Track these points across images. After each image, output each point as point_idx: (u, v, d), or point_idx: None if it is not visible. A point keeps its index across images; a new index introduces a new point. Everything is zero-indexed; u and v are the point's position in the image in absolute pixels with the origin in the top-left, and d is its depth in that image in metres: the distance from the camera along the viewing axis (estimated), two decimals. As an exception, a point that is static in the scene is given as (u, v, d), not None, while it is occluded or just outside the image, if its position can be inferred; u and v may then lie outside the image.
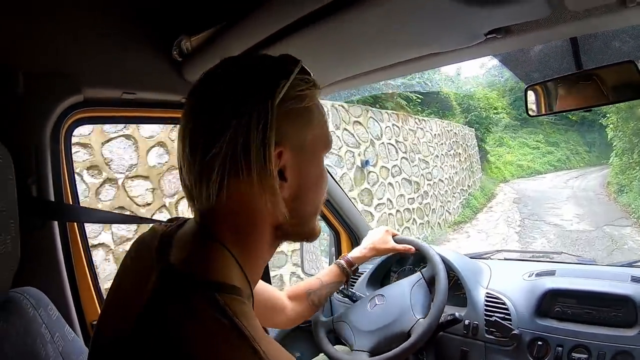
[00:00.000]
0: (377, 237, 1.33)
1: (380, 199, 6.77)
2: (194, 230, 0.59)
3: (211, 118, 0.54)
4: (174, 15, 0.92)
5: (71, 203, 1.11)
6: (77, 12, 0.86)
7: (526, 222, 9.21)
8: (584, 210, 9.67)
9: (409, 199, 7.67)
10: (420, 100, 10.37)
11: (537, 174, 16.08)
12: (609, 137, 11.83)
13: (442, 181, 9.48)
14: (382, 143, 7.13)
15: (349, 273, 1.23)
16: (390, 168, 7.23)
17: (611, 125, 11.34)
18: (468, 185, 11.52)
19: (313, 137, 0.59)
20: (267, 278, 1.54)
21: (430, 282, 1.25)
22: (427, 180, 8.64)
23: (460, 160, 11.13)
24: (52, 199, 1.01)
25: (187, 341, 0.44)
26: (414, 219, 7.68)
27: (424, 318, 1.17)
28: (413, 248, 1.32)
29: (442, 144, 9.94)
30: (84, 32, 0.91)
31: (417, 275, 1.28)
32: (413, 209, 7.74)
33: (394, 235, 1.36)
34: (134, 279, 0.56)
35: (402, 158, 7.74)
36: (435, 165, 9.25)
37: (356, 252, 1.27)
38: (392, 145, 7.48)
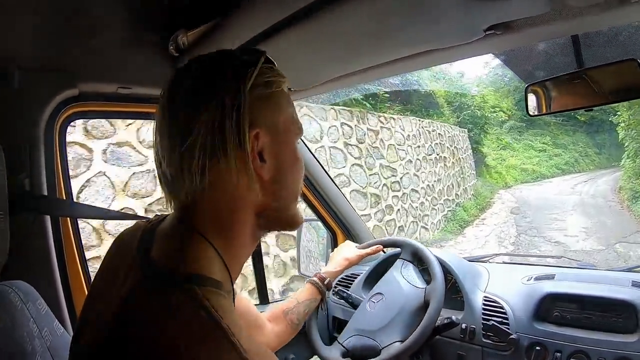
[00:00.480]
0: (346, 249, 1.41)
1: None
2: (174, 224, 0.62)
3: (187, 107, 0.58)
4: (171, 10, 0.93)
5: (64, 198, 1.11)
6: (72, 6, 0.87)
7: (522, 238, 8.33)
8: (592, 222, 8.70)
9: (361, 215, 5.85)
10: (387, 96, 9.37)
11: (543, 178, 15.62)
12: (619, 137, 11.22)
13: (416, 191, 8.42)
14: (322, 147, 6.06)
15: (323, 289, 1.28)
16: (333, 178, 5.96)
17: (622, 124, 10.69)
18: (456, 195, 10.58)
19: (285, 121, 0.64)
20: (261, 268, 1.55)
21: (414, 260, 1.36)
22: (393, 191, 7.57)
23: (445, 165, 10.19)
24: (45, 193, 1.02)
25: (164, 334, 0.47)
26: (367, 240, 6.33)
27: (429, 284, 1.25)
28: (381, 246, 1.43)
29: (418, 146, 8.93)
30: (80, 26, 0.92)
31: (398, 262, 1.37)
32: (368, 228, 6.30)
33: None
34: (115, 275, 0.58)
35: (353, 165, 6.63)
36: (407, 173, 8.22)
37: (329, 267, 1.34)
38: (339, 149, 6.39)
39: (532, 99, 1.18)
